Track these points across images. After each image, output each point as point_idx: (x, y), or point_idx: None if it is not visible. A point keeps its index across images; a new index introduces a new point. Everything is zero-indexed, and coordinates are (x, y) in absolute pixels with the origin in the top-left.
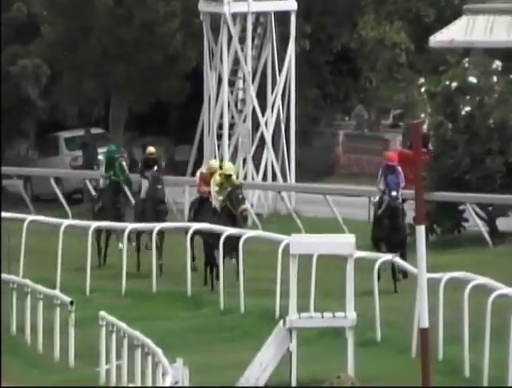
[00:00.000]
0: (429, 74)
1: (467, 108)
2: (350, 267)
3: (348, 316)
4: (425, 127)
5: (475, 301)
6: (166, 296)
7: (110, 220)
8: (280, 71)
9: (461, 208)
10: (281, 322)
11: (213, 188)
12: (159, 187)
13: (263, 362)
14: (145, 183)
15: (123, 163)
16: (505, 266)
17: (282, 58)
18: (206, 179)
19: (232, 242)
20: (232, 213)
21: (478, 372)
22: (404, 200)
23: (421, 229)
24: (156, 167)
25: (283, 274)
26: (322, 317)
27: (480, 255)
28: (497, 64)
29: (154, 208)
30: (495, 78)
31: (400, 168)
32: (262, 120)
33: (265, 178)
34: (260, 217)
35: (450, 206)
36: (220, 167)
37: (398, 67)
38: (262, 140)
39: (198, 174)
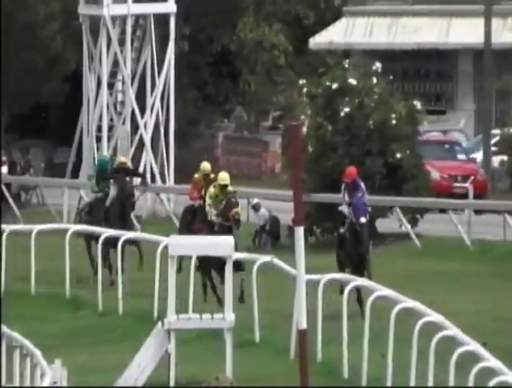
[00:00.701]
0: (308, 76)
1: (347, 109)
2: (228, 269)
3: (226, 317)
4: (304, 129)
5: (354, 301)
6: (45, 298)
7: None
8: (160, 73)
9: (340, 209)
10: (159, 323)
11: (207, 201)
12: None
13: (142, 363)
14: (113, 191)
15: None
16: (383, 267)
17: (161, 60)
18: (197, 184)
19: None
20: (230, 228)
21: (357, 372)
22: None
23: (299, 231)
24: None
25: (162, 276)
26: (201, 318)
27: None
28: (377, 65)
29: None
30: (374, 80)
31: (362, 184)
32: (141, 122)
33: None
34: (139, 218)
35: (329, 208)
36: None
37: (277, 69)
38: (141, 142)
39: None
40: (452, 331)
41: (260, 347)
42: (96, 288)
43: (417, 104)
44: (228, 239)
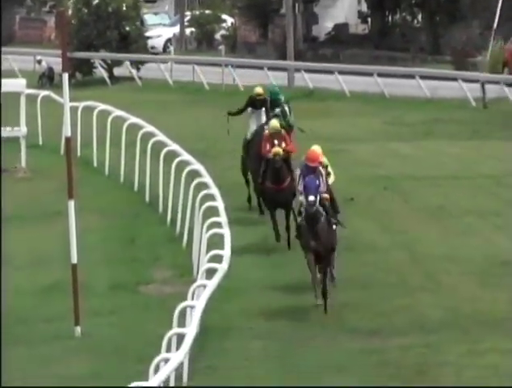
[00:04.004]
0: None
1: (97, 1)
2: None
3: (22, 129)
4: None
5: (102, 121)
6: None
7: None
8: None
9: (92, 61)
10: None
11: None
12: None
13: None
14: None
15: (286, 108)
16: (119, 98)
17: None
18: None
19: None
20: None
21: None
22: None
23: (65, 76)
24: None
25: None
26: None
27: (103, 92)
28: None
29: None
30: None
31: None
32: None
33: None
34: None
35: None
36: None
37: None
38: None
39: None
40: (162, 137)
41: (43, 148)
42: None
43: None
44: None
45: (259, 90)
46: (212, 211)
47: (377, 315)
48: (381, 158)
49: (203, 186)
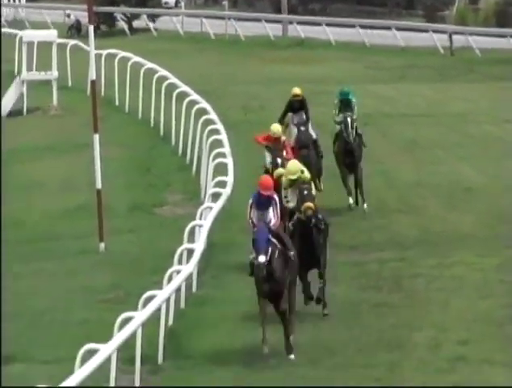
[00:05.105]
0: None
1: None
2: None
3: (53, 73)
4: None
5: (122, 66)
6: None
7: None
8: None
9: (114, 15)
10: (18, 76)
11: (283, 194)
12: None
13: (7, 108)
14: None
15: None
16: (137, 46)
17: None
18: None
19: None
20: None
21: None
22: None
23: (91, 28)
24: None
25: None
26: (39, 74)
27: (124, 41)
28: None
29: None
30: None
31: (276, 198)
32: None
33: None
34: None
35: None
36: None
37: None
38: None
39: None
40: (174, 80)
41: (71, 89)
42: None
43: None
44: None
45: (297, 90)
46: (217, 143)
47: (358, 233)
48: (362, 98)
49: (209, 122)
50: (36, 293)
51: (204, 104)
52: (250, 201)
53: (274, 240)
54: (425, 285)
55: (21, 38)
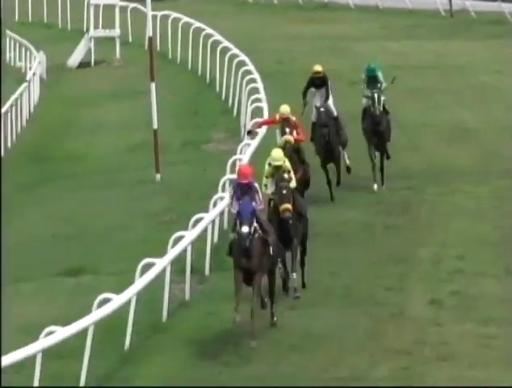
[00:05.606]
0: None
1: None
2: None
3: (116, 30)
4: None
5: (175, 25)
6: None
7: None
8: None
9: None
10: (86, 33)
11: (263, 181)
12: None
13: (75, 62)
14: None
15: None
16: (187, 9)
17: None
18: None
19: None
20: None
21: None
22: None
23: None
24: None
25: None
26: (110, 30)
27: (176, 4)
28: None
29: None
30: None
31: (257, 185)
32: None
33: None
34: None
35: None
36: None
37: None
38: None
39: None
40: (218, 36)
41: (132, 44)
42: None
43: None
44: None
45: (317, 68)
46: (254, 90)
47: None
48: (375, 53)
49: (247, 72)
50: (102, 216)
51: (243, 57)
52: (232, 192)
53: (256, 224)
54: (429, 210)
55: (89, 1)
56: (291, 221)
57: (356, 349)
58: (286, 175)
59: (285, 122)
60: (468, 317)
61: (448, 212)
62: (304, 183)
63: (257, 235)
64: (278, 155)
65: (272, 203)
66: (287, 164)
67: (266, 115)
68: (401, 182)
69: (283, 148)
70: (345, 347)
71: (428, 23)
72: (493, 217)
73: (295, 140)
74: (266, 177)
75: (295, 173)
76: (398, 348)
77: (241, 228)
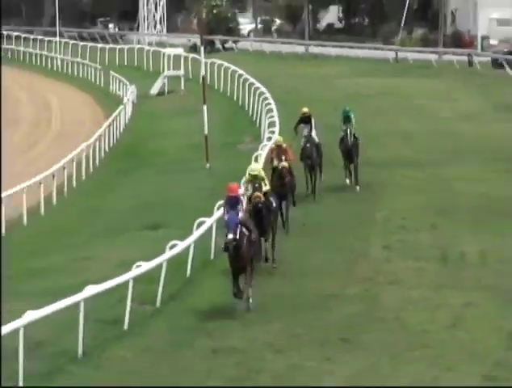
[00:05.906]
0: None
1: None
2: None
3: None
4: None
5: (219, 69)
6: None
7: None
8: None
9: (214, 40)
10: None
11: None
12: (309, 139)
13: None
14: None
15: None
16: (227, 58)
17: None
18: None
19: None
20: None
21: None
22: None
23: (201, 48)
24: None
25: None
26: None
27: (220, 55)
28: None
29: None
30: None
31: (242, 197)
32: None
33: None
34: None
35: None
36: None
37: None
38: None
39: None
40: (246, 76)
41: (191, 80)
42: None
43: None
44: None
45: (305, 109)
46: (270, 111)
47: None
48: (349, 85)
49: (265, 98)
50: (172, 191)
51: (263, 89)
52: (224, 202)
53: (244, 229)
54: (384, 187)
55: (164, 53)
56: (263, 211)
57: (335, 277)
58: (261, 182)
59: (279, 148)
60: (408, 256)
61: (396, 188)
62: (292, 189)
63: (245, 238)
64: (255, 167)
65: (252, 201)
66: (262, 173)
67: (277, 126)
68: (366, 168)
69: (281, 171)
70: (327, 276)
71: (382, 66)
72: (425, 192)
73: (287, 159)
74: (246, 182)
75: (284, 179)
76: (362, 277)
77: (227, 235)
